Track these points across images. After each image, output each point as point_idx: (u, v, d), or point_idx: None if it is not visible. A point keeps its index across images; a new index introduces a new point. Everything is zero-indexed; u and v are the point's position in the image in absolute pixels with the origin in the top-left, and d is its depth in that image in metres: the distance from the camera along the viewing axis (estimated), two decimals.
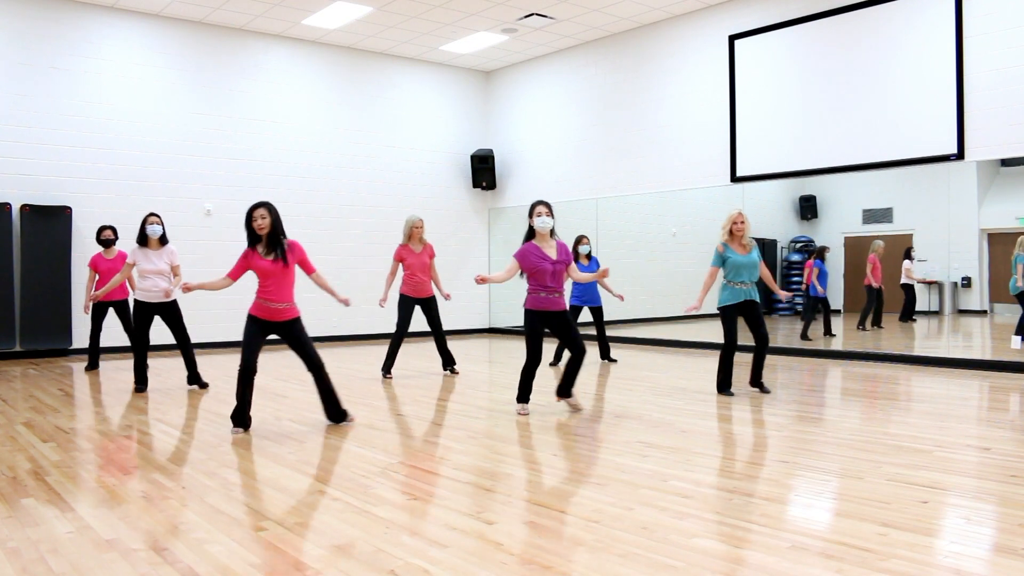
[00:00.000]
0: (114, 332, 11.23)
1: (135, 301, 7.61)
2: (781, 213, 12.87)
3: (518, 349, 11.73)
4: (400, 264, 8.32)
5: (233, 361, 10.03)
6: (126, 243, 9.50)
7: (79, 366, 9.68)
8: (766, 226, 12.75)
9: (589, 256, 9.33)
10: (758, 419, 5.91)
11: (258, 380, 8.22)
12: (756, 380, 7.03)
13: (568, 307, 8.75)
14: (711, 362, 9.68)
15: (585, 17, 11.62)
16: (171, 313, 7.58)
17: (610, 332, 13.28)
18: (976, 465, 4.46)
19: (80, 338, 10.71)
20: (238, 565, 2.99)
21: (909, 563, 2.93)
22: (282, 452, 4.91)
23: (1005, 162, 9.60)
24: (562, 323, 6.17)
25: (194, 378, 7.77)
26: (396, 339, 8.43)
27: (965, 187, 10.06)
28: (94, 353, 9.26)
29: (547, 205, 6.04)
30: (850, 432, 5.38)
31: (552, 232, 6.07)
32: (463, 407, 6.70)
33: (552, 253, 6.02)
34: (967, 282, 10.35)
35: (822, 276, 11.00)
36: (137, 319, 7.58)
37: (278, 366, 9.57)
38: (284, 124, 12.48)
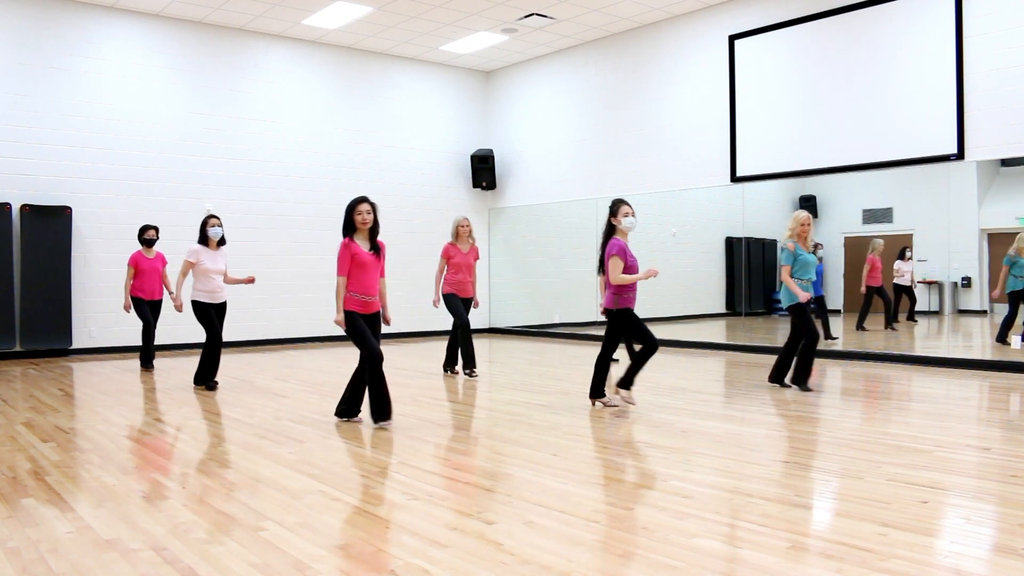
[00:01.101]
0: (119, 332, 11.26)
1: (197, 302, 7.47)
2: (781, 213, 12.85)
3: (518, 349, 11.73)
4: (446, 262, 8.23)
5: (233, 361, 10.02)
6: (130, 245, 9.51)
7: (79, 366, 9.68)
8: (766, 226, 12.74)
9: None
10: (758, 419, 5.91)
11: (258, 380, 8.25)
12: (791, 378, 7.22)
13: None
14: (711, 362, 9.67)
15: (585, 17, 11.62)
16: (223, 314, 7.66)
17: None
18: (976, 465, 4.46)
19: (80, 338, 10.72)
20: (238, 565, 2.99)
21: (909, 563, 2.93)
22: (282, 452, 4.91)
23: (1005, 162, 9.59)
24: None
25: (210, 379, 7.71)
26: (464, 335, 8.24)
27: (965, 187, 10.05)
28: (150, 352, 9.22)
29: (631, 205, 6.22)
30: (850, 432, 5.37)
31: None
32: (463, 407, 6.70)
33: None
34: (967, 282, 10.35)
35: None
36: (203, 319, 7.49)
37: (278, 366, 9.57)
38: (284, 124, 12.48)
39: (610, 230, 6.20)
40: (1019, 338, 8.88)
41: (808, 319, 7.07)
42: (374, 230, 5.82)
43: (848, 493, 3.92)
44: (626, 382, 6.30)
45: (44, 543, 3.26)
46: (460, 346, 8.33)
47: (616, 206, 6.19)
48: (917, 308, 10.94)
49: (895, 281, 10.93)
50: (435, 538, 3.28)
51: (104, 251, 10.88)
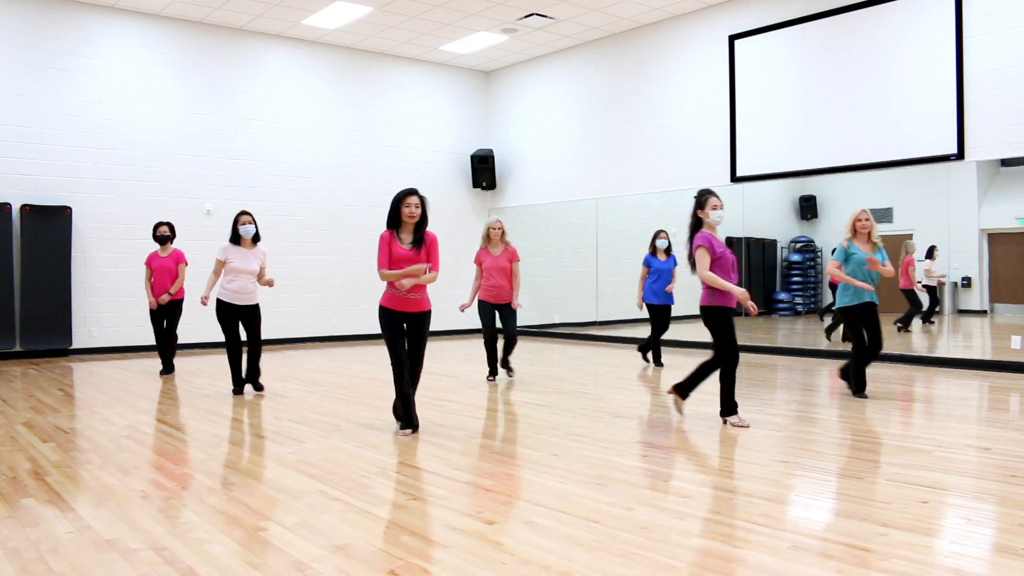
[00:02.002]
0: (119, 332, 11.26)
1: (219, 301, 7.14)
2: (781, 213, 12.86)
3: (518, 349, 11.69)
4: (479, 268, 7.94)
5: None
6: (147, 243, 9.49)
7: (79, 366, 9.68)
8: (766, 226, 12.75)
9: (668, 251, 8.96)
10: (758, 419, 5.90)
11: (259, 379, 8.23)
12: (861, 387, 6.79)
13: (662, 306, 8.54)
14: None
15: (585, 17, 11.62)
16: (251, 318, 7.24)
17: (608, 332, 13.28)
18: (976, 465, 4.46)
19: (80, 338, 10.72)
20: (238, 565, 2.99)
21: (909, 563, 2.93)
22: (282, 452, 4.91)
23: (1005, 162, 9.59)
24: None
25: (254, 380, 7.45)
26: (490, 346, 8.00)
27: (965, 187, 10.05)
28: (165, 355, 8.82)
29: (719, 196, 5.71)
30: (850, 432, 5.37)
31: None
32: (463, 407, 6.70)
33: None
34: (967, 282, 10.35)
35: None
36: (222, 322, 7.15)
37: (278, 366, 9.56)
38: (284, 124, 12.48)
39: (696, 223, 5.69)
40: (1019, 338, 8.87)
41: (856, 327, 6.63)
42: (421, 224, 5.44)
43: (848, 493, 3.92)
44: (685, 388, 5.78)
45: (44, 543, 3.26)
46: (488, 354, 8.07)
47: (704, 197, 5.65)
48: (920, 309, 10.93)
49: (924, 282, 10.78)
50: (435, 538, 3.28)
51: (104, 251, 10.88)
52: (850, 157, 9.73)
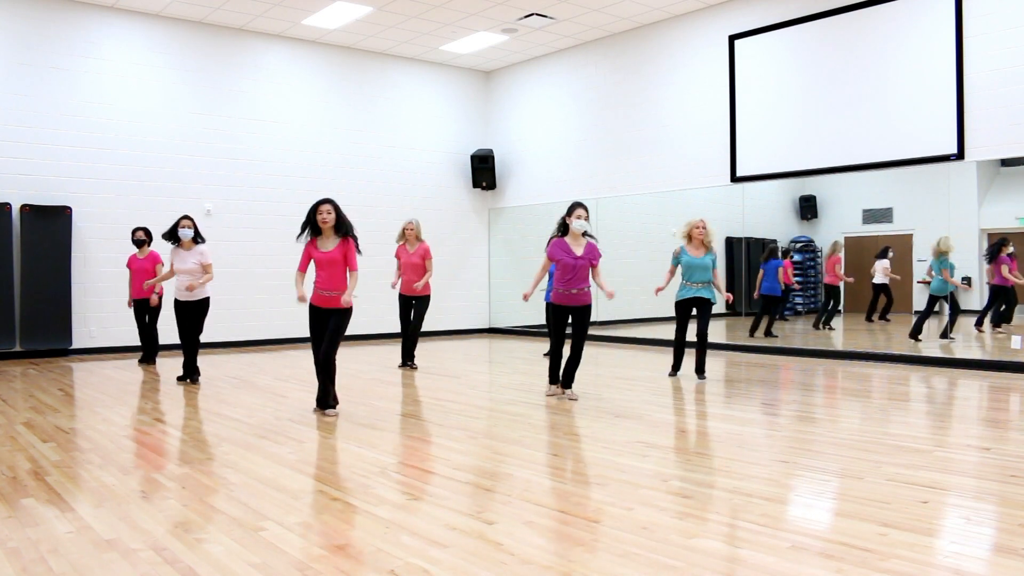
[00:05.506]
0: (119, 332, 11.26)
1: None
2: (781, 213, 12.86)
3: (519, 348, 11.73)
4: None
5: (233, 361, 10.03)
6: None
7: (79, 366, 9.68)
8: (766, 226, 12.74)
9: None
10: (758, 419, 5.91)
11: (259, 380, 8.25)
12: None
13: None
14: (711, 362, 9.66)
15: (585, 17, 11.62)
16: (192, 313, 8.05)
17: (608, 332, 13.26)
18: (976, 465, 4.46)
19: (80, 338, 10.72)
20: (238, 565, 2.99)
21: (909, 563, 2.93)
22: (282, 452, 4.91)
23: (1005, 162, 9.60)
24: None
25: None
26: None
27: (965, 187, 10.05)
28: (148, 347, 9.77)
29: (586, 208, 6.79)
30: (850, 432, 5.38)
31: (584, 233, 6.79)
32: (463, 407, 6.70)
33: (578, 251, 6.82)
34: (967, 282, 10.35)
35: (767, 276, 11.41)
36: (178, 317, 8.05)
37: (278, 366, 9.57)
38: (284, 124, 12.48)
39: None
40: (1019, 338, 8.87)
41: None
42: (337, 228, 6.15)
43: (848, 493, 3.92)
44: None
45: (44, 543, 3.26)
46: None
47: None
48: (897, 307, 11.21)
49: (876, 280, 11.22)
50: (435, 538, 3.28)
51: (104, 251, 10.88)
52: (850, 157, 9.73)
